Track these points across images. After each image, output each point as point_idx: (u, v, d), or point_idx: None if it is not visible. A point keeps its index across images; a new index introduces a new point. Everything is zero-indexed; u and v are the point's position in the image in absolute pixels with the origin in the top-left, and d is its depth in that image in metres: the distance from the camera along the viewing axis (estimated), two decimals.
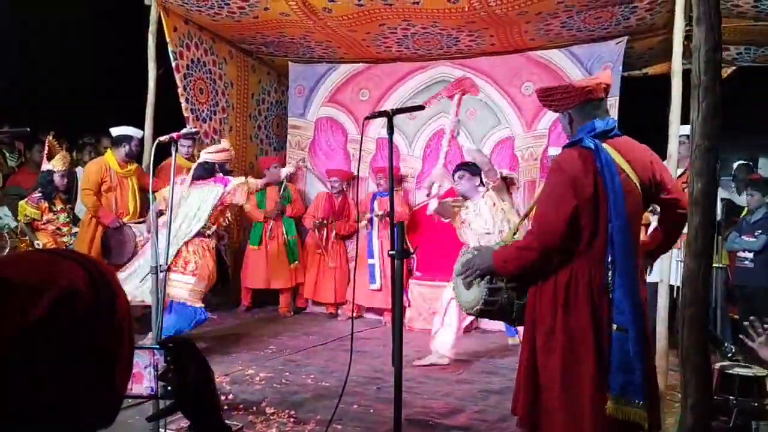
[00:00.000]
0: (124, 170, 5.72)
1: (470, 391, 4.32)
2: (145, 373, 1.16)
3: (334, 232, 7.03)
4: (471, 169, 5.04)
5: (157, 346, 1.17)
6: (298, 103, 7.73)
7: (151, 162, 3.14)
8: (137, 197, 5.79)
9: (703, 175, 2.07)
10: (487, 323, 6.10)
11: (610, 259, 2.37)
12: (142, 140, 5.81)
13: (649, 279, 5.33)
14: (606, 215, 2.37)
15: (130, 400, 1.17)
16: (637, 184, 2.45)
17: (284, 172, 6.48)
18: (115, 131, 5.74)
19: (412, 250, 2.50)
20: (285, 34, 6.65)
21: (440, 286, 5.73)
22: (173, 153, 3.02)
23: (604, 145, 2.44)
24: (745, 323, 2.34)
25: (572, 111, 2.55)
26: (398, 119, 6.91)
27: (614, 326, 2.35)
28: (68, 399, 0.81)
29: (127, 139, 5.69)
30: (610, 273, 2.37)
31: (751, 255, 5.39)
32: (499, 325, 5.80)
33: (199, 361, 1.15)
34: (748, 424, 2.52)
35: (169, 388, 1.14)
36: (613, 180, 2.34)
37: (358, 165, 3.44)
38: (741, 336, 2.39)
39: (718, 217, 5.49)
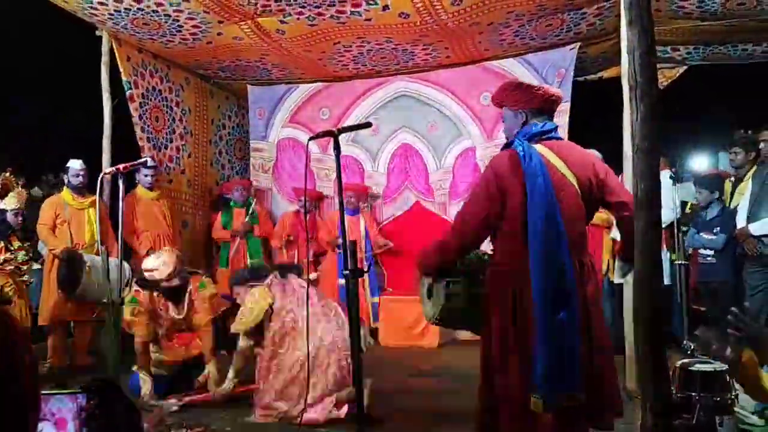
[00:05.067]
0: (78, 202, 5.65)
1: (442, 405, 4.29)
2: (68, 418, 1.12)
3: (311, 251, 6.92)
4: None
5: (80, 390, 1.13)
6: (259, 125, 7.70)
7: (99, 193, 3.09)
8: (94, 228, 5.67)
9: (645, 176, 2.09)
10: (465, 335, 6.06)
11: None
12: (85, 170, 5.71)
13: (615, 281, 5.43)
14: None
15: None
16: (574, 182, 2.50)
17: None
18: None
19: (365, 269, 2.49)
20: (241, 57, 6.63)
21: (412, 300, 5.68)
22: (120, 185, 2.98)
23: (538, 146, 2.53)
24: (729, 317, 2.23)
25: (528, 111, 2.62)
26: (360, 136, 7.05)
27: None
28: None
29: (65, 170, 5.70)
30: None
31: (713, 251, 5.44)
32: (475, 337, 5.77)
33: (125, 403, 1.12)
34: (711, 420, 2.53)
35: None
36: (534, 181, 2.41)
37: (305, 183, 3.38)
38: (729, 330, 2.30)
39: (678, 216, 5.56)
